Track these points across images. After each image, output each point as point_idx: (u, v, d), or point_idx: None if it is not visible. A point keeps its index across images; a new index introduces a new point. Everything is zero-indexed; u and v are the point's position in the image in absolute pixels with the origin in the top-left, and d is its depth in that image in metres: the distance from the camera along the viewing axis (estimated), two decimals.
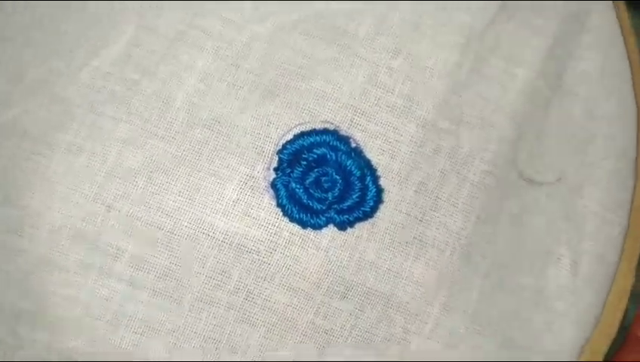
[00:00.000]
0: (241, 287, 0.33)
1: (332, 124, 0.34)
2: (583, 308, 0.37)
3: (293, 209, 0.32)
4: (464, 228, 0.35)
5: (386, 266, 0.34)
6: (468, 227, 0.35)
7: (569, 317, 0.37)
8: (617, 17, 0.41)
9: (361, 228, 0.34)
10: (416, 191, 0.35)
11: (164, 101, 0.34)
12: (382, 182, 0.34)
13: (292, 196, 0.33)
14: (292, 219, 0.33)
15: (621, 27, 0.41)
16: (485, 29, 0.37)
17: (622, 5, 0.41)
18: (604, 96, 0.39)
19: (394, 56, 0.36)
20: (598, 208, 0.38)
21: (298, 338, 0.34)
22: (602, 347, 0.37)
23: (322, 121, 0.34)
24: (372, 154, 0.34)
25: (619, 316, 0.38)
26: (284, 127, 0.34)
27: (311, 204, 0.33)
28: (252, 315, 0.34)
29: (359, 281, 0.34)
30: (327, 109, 0.34)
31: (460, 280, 0.35)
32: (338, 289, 0.34)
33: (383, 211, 0.34)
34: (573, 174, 0.38)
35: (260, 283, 0.34)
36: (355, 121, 0.35)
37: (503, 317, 0.36)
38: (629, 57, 0.40)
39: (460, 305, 0.35)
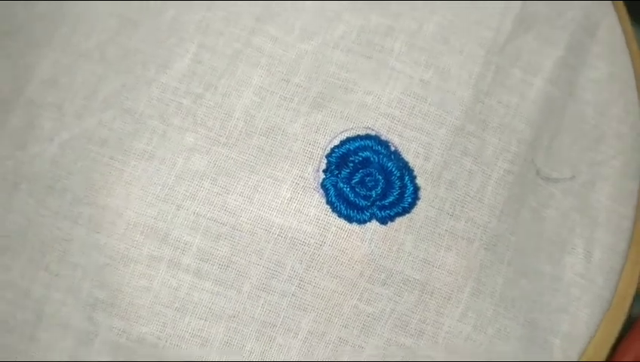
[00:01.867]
0: (293, 276, 0.37)
1: (373, 130, 0.39)
2: (596, 292, 0.41)
3: (341, 206, 0.37)
4: (490, 222, 0.39)
5: (422, 256, 0.38)
6: (493, 220, 0.39)
7: (583, 301, 0.40)
8: (622, 28, 0.45)
9: (400, 222, 0.38)
10: (447, 188, 0.39)
11: (226, 112, 0.39)
12: (418, 181, 0.38)
13: (340, 194, 0.37)
14: (340, 215, 0.37)
15: (626, 38, 0.45)
16: (505, 42, 0.41)
17: (625, 17, 0.45)
18: (612, 99, 0.43)
19: (426, 68, 0.40)
20: (609, 202, 0.42)
21: (343, 321, 0.38)
22: (614, 328, 0.41)
23: (364, 128, 0.38)
24: (409, 156, 0.38)
25: (629, 300, 0.41)
26: (331, 133, 0.38)
27: (357, 201, 0.37)
28: (303, 301, 0.38)
29: (398, 270, 0.38)
30: (368, 117, 0.39)
31: (487, 267, 0.39)
32: (379, 276, 0.38)
33: (419, 207, 0.38)
34: (585, 171, 0.42)
35: (310, 272, 0.37)
36: (392, 127, 0.39)
37: (525, 301, 0.40)
38: (632, 64, 0.44)
39: (487, 289, 0.39)
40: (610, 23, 0.44)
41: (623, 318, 0.41)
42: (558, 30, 0.42)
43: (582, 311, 0.40)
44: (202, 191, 0.37)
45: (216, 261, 0.37)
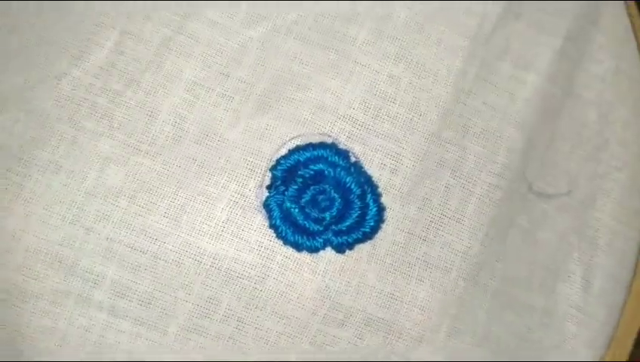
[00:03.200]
0: (230, 315, 0.31)
1: (330, 136, 0.32)
2: (596, 328, 0.35)
3: (288, 231, 0.30)
4: (471, 247, 0.33)
5: (388, 290, 0.32)
6: (475, 245, 0.33)
7: (581, 339, 0.35)
8: (629, 17, 0.38)
9: (361, 249, 0.31)
10: (419, 207, 0.32)
11: (149, 113, 0.32)
12: (383, 199, 0.31)
13: (286, 216, 0.30)
14: (286, 242, 0.31)
15: (633, 27, 0.38)
16: (492, 30, 0.34)
17: (633, 4, 0.39)
18: (618, 99, 0.37)
19: (395, 62, 0.33)
20: (610, 221, 0.36)
21: None
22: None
23: (319, 134, 0.32)
24: (373, 169, 0.32)
25: (633, 336, 0.36)
26: (278, 140, 0.32)
27: (307, 225, 0.30)
28: (243, 345, 0.31)
29: (359, 308, 0.32)
30: (324, 121, 0.32)
31: (467, 301, 0.33)
32: (336, 316, 0.32)
33: (385, 231, 0.32)
34: (584, 185, 0.36)
35: (251, 311, 0.31)
36: (354, 133, 0.32)
37: (512, 340, 0.34)
38: None
39: (467, 328, 0.33)
40: (616, 9, 0.37)
41: (625, 358, 0.36)
42: (555, 17, 0.36)
43: (579, 351, 0.35)
44: (118, 212, 0.31)
45: (136, 296, 0.31)
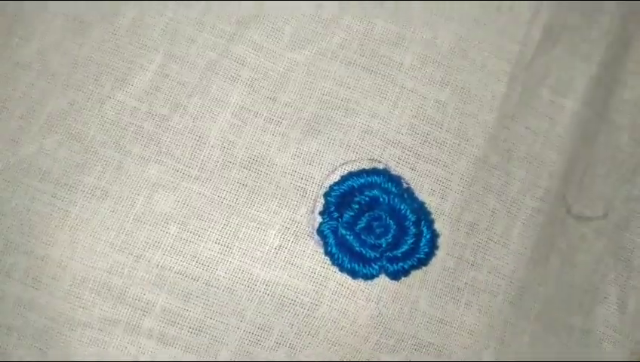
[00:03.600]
0: (282, 342, 0.31)
1: (380, 162, 0.32)
2: (632, 348, 0.35)
3: (345, 258, 0.30)
4: (516, 271, 0.33)
5: (438, 315, 0.32)
6: (520, 269, 0.33)
7: (617, 358, 0.35)
8: None
9: (413, 276, 0.31)
10: (467, 233, 0.32)
11: (197, 138, 0.31)
12: (435, 225, 0.31)
13: (342, 243, 0.30)
14: (342, 269, 0.30)
15: None
16: (532, 56, 0.35)
17: None
18: None
19: (442, 87, 0.33)
20: None
21: None
22: None
23: (369, 160, 0.32)
24: (422, 195, 0.32)
25: None
26: (328, 166, 0.31)
27: (364, 252, 0.30)
28: None
29: (410, 333, 0.31)
30: (373, 146, 0.32)
31: (512, 325, 0.33)
32: (388, 342, 0.31)
33: (435, 256, 0.31)
34: (620, 207, 0.36)
35: (303, 338, 0.31)
36: (403, 158, 0.32)
37: (552, 359, 0.34)
38: None
39: (511, 350, 0.33)
40: None
41: None
42: (590, 42, 0.36)
43: None
44: (168, 238, 0.30)
45: (186, 324, 0.30)
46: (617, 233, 0.36)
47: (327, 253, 0.30)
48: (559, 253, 0.35)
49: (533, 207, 0.34)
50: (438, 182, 0.32)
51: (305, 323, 0.31)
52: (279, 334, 0.31)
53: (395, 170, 0.31)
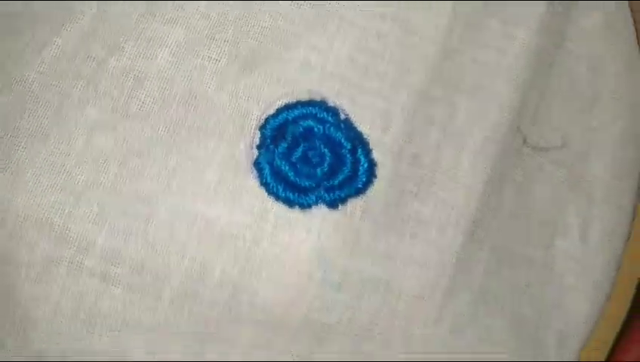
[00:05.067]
0: (225, 281, 0.31)
1: (318, 94, 0.31)
2: (594, 280, 0.35)
3: (279, 186, 0.30)
4: (467, 204, 0.32)
5: (382, 248, 0.31)
6: (472, 202, 0.32)
7: (579, 291, 0.35)
8: None
9: (354, 205, 0.31)
10: (410, 164, 0.32)
11: (135, 78, 0.31)
12: (374, 155, 0.31)
13: (277, 173, 0.30)
14: (278, 198, 0.30)
15: None
16: None
17: None
18: (608, 53, 0.36)
19: (383, 19, 0.33)
20: (605, 175, 0.36)
21: (291, 334, 0.32)
22: (615, 323, 0.36)
23: (307, 92, 0.31)
24: (362, 126, 0.31)
25: (632, 288, 0.37)
26: (266, 100, 0.31)
27: (298, 181, 0.30)
28: (239, 312, 0.31)
29: (355, 268, 0.31)
30: (312, 79, 0.32)
31: (464, 257, 0.33)
32: (332, 278, 0.31)
33: (377, 187, 0.31)
34: (579, 139, 0.36)
35: (246, 278, 0.31)
36: (342, 91, 0.32)
37: (510, 293, 0.34)
38: (632, 12, 0.37)
39: (464, 284, 0.33)
40: None
41: (624, 311, 0.36)
42: None
43: (578, 304, 0.35)
44: (108, 177, 0.30)
45: (127, 262, 0.30)
46: (577, 164, 0.36)
47: (262, 183, 0.30)
48: (514, 184, 0.35)
49: (483, 138, 0.33)
50: (379, 114, 0.32)
51: (247, 259, 0.31)
52: (221, 272, 0.31)
53: (334, 102, 0.31)
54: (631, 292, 0.37)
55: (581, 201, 0.35)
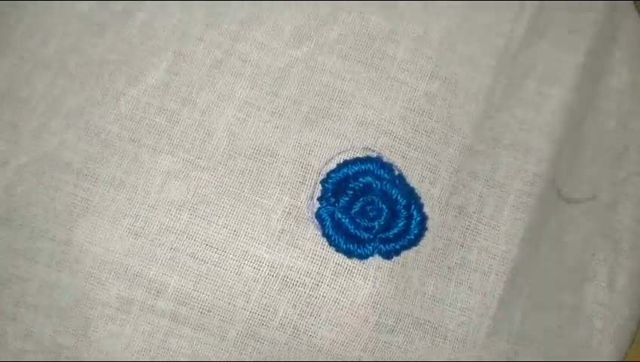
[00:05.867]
0: (286, 324, 0.33)
1: (374, 151, 0.34)
2: (620, 324, 0.37)
3: (340, 239, 0.32)
4: (508, 251, 0.35)
5: (430, 293, 0.34)
6: (512, 249, 0.35)
7: (606, 334, 0.37)
8: None
9: (406, 256, 0.34)
10: (456, 216, 0.34)
11: (206, 131, 0.34)
12: (425, 209, 0.34)
13: (338, 226, 0.32)
14: (338, 249, 0.33)
15: None
16: (518, 50, 0.37)
17: None
18: (636, 110, 0.39)
19: (431, 80, 0.35)
20: (632, 223, 0.38)
21: None
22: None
23: (363, 148, 0.34)
24: (413, 180, 0.34)
25: None
26: (326, 155, 0.34)
27: (358, 234, 0.32)
28: (298, 351, 0.33)
29: (406, 312, 0.34)
30: (367, 136, 0.34)
31: (505, 302, 0.35)
32: (386, 322, 0.33)
33: (426, 238, 0.34)
34: (607, 189, 0.38)
35: (306, 319, 0.33)
36: (395, 147, 0.34)
37: (544, 336, 0.36)
38: None
39: (504, 327, 0.35)
40: (632, 24, 0.39)
41: None
42: (576, 34, 0.38)
43: (605, 346, 0.37)
44: (180, 224, 0.33)
45: (197, 304, 0.33)
46: (605, 214, 0.38)
47: (324, 234, 0.33)
48: (550, 234, 0.37)
49: (522, 191, 0.36)
50: (428, 169, 0.34)
51: (307, 303, 0.33)
52: (283, 315, 0.33)
53: (388, 157, 0.34)
54: None
55: (609, 249, 0.37)
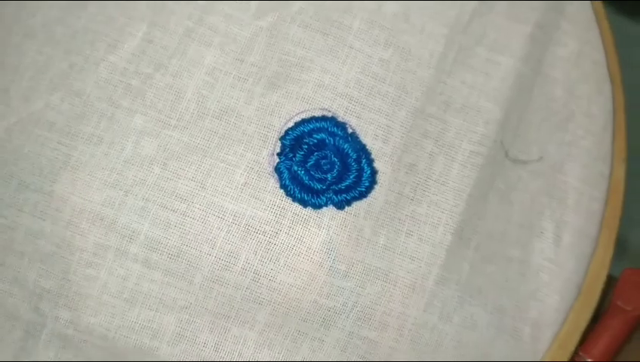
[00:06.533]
0: (248, 268, 0.36)
1: (329, 111, 0.37)
2: (566, 277, 0.40)
3: (295, 189, 0.35)
4: (456, 206, 0.38)
5: (382, 242, 0.37)
6: (460, 204, 0.38)
7: (552, 286, 0.40)
8: (593, 6, 0.43)
9: (358, 207, 0.36)
10: (407, 172, 0.37)
11: (176, 93, 0.37)
12: (376, 164, 0.37)
13: (294, 178, 0.35)
14: (294, 199, 0.36)
15: (596, 15, 0.43)
16: (469, 19, 0.40)
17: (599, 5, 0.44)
18: (582, 78, 0.42)
19: (385, 47, 0.38)
20: (578, 183, 0.41)
21: (302, 315, 0.37)
22: (585, 315, 0.40)
23: (321, 109, 0.37)
24: (367, 139, 0.37)
25: (600, 285, 0.40)
26: (286, 115, 0.37)
27: (312, 185, 0.35)
28: (258, 295, 0.36)
29: (359, 258, 0.36)
30: (325, 98, 0.37)
31: (453, 253, 0.38)
32: (340, 267, 0.36)
33: (378, 191, 0.37)
34: (554, 152, 0.41)
35: (266, 264, 0.36)
36: (350, 108, 0.37)
37: (492, 287, 0.39)
38: (603, 42, 0.43)
39: (452, 276, 0.38)
40: (582, 4, 0.42)
41: (594, 304, 0.40)
42: (526, 7, 0.41)
43: (551, 297, 0.39)
44: (152, 177, 0.36)
45: (166, 250, 0.36)
46: (552, 174, 0.41)
47: (281, 186, 0.36)
48: (497, 192, 0.40)
49: (470, 150, 0.38)
50: (381, 129, 0.37)
51: (267, 250, 0.36)
52: (245, 260, 0.36)
53: (342, 118, 0.37)
54: (599, 288, 0.41)
55: (555, 207, 0.40)
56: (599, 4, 0.43)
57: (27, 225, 0.36)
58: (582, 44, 0.41)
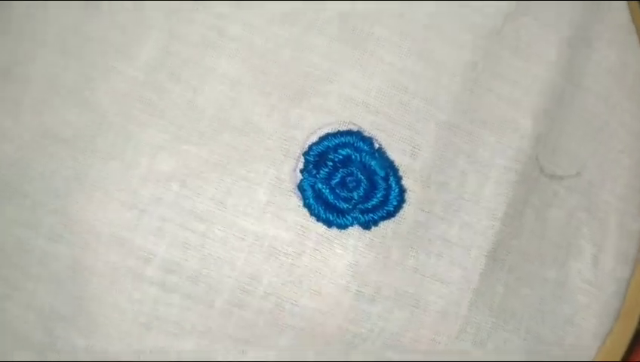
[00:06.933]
0: (270, 292, 0.34)
1: (355, 125, 0.35)
2: (605, 301, 0.38)
3: (320, 208, 0.33)
4: (490, 227, 0.36)
5: (411, 265, 0.35)
6: (494, 225, 0.36)
7: (591, 310, 0.37)
8: (630, 12, 0.41)
9: (386, 227, 0.35)
10: (437, 190, 0.35)
11: (196, 108, 0.35)
12: (404, 182, 0.35)
13: (318, 196, 0.34)
14: (319, 219, 0.34)
15: (634, 21, 0.41)
16: (500, 28, 0.38)
17: (635, 2, 0.42)
18: (622, 90, 0.39)
19: (413, 58, 0.37)
20: (618, 202, 0.39)
21: (326, 340, 0.35)
22: (623, 341, 0.38)
23: (345, 123, 0.35)
24: (394, 154, 0.35)
25: (639, 309, 0.38)
26: (310, 129, 0.35)
27: (337, 204, 0.33)
28: (281, 320, 0.34)
29: (386, 282, 0.34)
30: (350, 111, 0.35)
31: (486, 276, 0.36)
32: (366, 291, 0.34)
33: (407, 210, 0.35)
34: (593, 168, 0.39)
35: (289, 288, 0.34)
36: (377, 122, 0.35)
37: (527, 311, 0.37)
38: None
39: (486, 301, 0.36)
40: (617, 5, 0.40)
41: (633, 329, 0.38)
42: (561, 13, 0.38)
43: (589, 322, 0.37)
44: (169, 195, 0.34)
45: (184, 273, 0.34)
46: (590, 191, 0.38)
47: (305, 205, 0.34)
48: (533, 209, 0.38)
49: (504, 166, 0.36)
50: (409, 144, 0.35)
51: (290, 272, 0.34)
52: (267, 283, 0.34)
53: (369, 132, 0.35)
54: (638, 311, 0.39)
55: (594, 226, 0.38)
56: (636, 7, 0.41)
57: (42, 248, 0.35)
58: (621, 53, 0.39)
